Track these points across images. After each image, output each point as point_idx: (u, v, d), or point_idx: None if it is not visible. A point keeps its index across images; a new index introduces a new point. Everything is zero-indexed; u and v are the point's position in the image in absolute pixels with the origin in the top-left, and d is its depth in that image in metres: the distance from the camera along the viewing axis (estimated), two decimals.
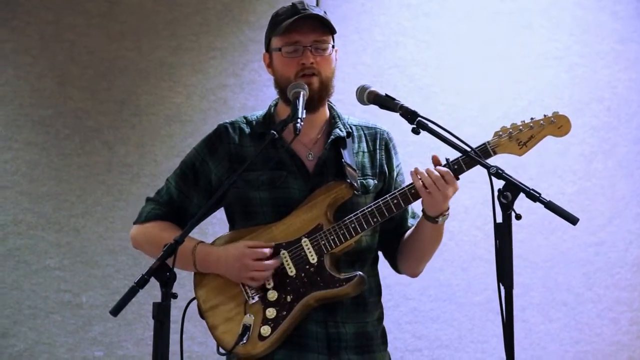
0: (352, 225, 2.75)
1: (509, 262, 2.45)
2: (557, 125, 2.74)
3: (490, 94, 4.58)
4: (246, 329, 2.69)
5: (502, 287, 2.45)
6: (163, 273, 2.36)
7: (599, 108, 4.62)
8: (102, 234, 4.33)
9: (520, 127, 2.75)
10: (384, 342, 2.92)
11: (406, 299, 4.42)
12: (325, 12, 2.84)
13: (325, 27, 2.81)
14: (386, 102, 2.71)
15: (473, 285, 4.48)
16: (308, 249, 2.75)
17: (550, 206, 2.48)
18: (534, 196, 2.49)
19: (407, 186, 2.75)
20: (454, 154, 2.66)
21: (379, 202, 2.76)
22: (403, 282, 4.35)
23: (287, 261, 2.76)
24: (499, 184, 2.51)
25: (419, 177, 2.70)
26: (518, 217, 2.46)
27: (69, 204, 4.33)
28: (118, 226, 4.31)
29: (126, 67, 4.41)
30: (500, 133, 2.76)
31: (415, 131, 2.63)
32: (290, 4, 2.85)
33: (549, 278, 4.53)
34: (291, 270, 2.75)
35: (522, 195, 2.48)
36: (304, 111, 2.65)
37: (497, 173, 2.52)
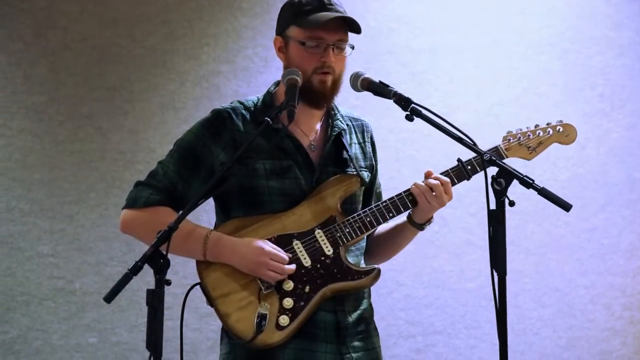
0: (368, 219, 2.77)
1: (502, 249, 2.46)
2: (564, 133, 2.89)
3: (484, 80, 4.57)
4: (263, 317, 2.66)
5: (495, 274, 2.46)
6: (157, 260, 2.35)
7: (592, 94, 4.62)
8: (96, 220, 4.33)
9: (529, 134, 2.86)
10: (376, 327, 2.94)
11: (399, 285, 4.43)
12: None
13: (352, 29, 2.78)
14: (380, 89, 2.71)
15: (466, 272, 4.48)
16: (323, 240, 2.75)
17: (544, 193, 2.49)
18: (527, 183, 2.50)
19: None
20: (447, 141, 2.65)
21: (393, 197, 2.79)
22: (396, 268, 4.37)
23: (301, 252, 2.74)
24: (492, 170, 2.51)
25: (417, 187, 2.79)
26: (511, 203, 2.47)
27: (62, 190, 4.33)
28: (111, 213, 4.30)
29: (119, 53, 4.40)
30: (509, 138, 2.87)
31: (409, 118, 2.63)
32: None
33: (542, 264, 4.54)
34: (306, 261, 2.74)
35: (515, 182, 2.49)
36: (298, 98, 2.63)
37: (491, 160, 2.52)
